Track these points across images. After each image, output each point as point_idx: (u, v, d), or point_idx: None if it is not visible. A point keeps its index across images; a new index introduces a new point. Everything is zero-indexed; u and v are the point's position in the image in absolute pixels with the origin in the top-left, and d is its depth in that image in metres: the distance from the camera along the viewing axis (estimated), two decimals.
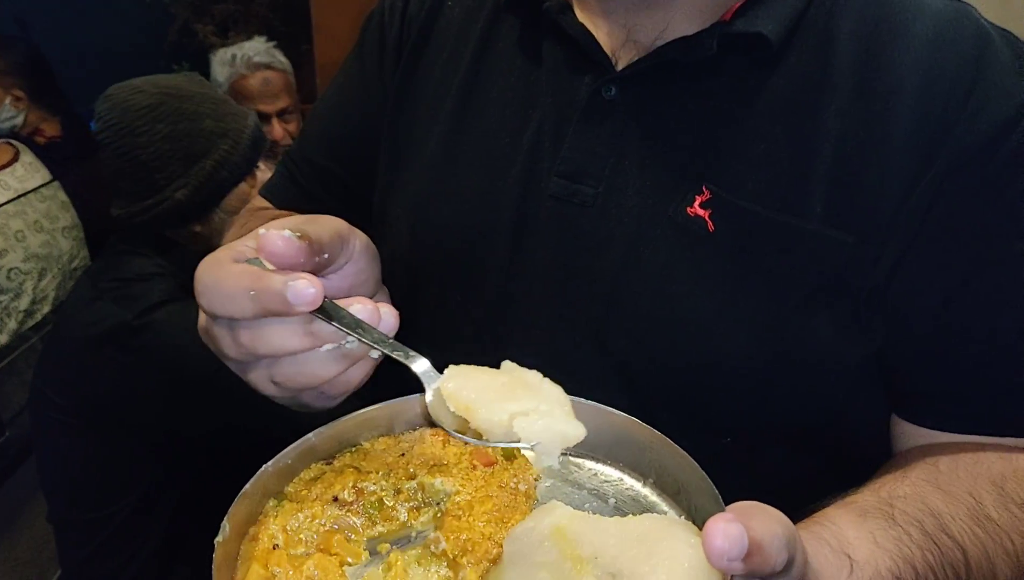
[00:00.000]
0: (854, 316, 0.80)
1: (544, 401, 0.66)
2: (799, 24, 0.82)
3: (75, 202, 2.93)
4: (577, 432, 0.64)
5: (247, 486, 0.63)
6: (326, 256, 0.67)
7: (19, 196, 2.68)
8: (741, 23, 0.81)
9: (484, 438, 0.64)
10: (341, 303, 0.64)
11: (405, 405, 0.73)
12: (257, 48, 2.74)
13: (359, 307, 0.64)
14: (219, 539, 0.59)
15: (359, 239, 0.73)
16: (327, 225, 0.69)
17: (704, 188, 0.81)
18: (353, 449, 0.72)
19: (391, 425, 0.73)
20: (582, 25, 0.88)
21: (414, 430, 0.73)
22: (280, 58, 2.78)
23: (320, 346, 0.64)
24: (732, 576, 0.54)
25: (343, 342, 0.64)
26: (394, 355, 0.65)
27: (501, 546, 0.61)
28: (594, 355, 0.84)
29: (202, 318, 0.70)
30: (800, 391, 0.82)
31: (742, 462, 0.74)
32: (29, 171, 2.81)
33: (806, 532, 0.66)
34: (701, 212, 0.81)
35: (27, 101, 3.06)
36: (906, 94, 0.79)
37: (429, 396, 0.66)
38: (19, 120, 3.02)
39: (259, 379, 0.67)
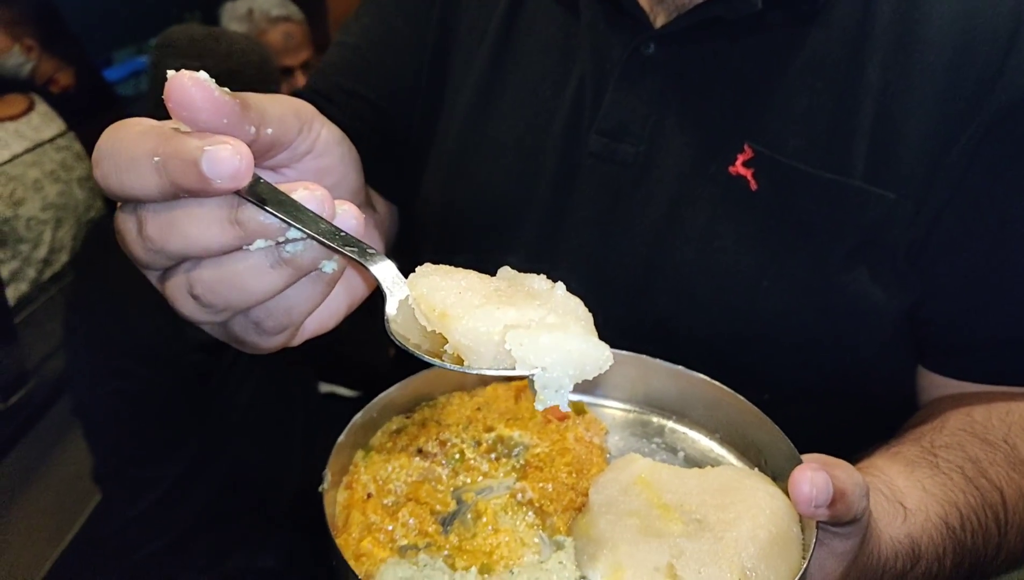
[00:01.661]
0: (893, 271, 0.82)
1: (554, 312, 0.52)
2: None
3: (90, 152, 2.87)
4: (599, 354, 0.50)
5: (340, 438, 0.66)
6: (269, 131, 0.52)
7: (36, 146, 2.66)
8: None
9: (465, 363, 0.50)
10: (282, 188, 0.48)
11: None
12: (272, 1, 2.72)
13: (305, 193, 0.48)
14: (323, 487, 0.62)
15: (327, 129, 0.59)
16: (279, 99, 0.54)
17: (746, 146, 0.82)
18: (430, 403, 0.74)
19: (463, 381, 0.76)
20: None
21: (485, 385, 0.76)
22: (295, 10, 2.76)
23: (250, 242, 0.48)
24: (817, 522, 0.57)
25: (282, 241, 0.48)
26: (346, 252, 0.49)
27: (584, 495, 0.64)
28: (632, 312, 0.86)
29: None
30: (838, 345, 0.85)
31: (778, 416, 0.77)
32: (44, 121, 2.78)
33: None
34: (743, 171, 0.82)
35: (38, 50, 3.02)
36: (946, 47, 0.80)
37: (392, 308, 0.52)
38: (28, 68, 2.98)
39: (176, 292, 0.51)
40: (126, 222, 0.50)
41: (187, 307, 0.51)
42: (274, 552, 1.78)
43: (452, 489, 0.67)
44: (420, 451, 0.68)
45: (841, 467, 0.57)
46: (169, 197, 0.47)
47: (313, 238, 0.48)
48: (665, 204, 0.84)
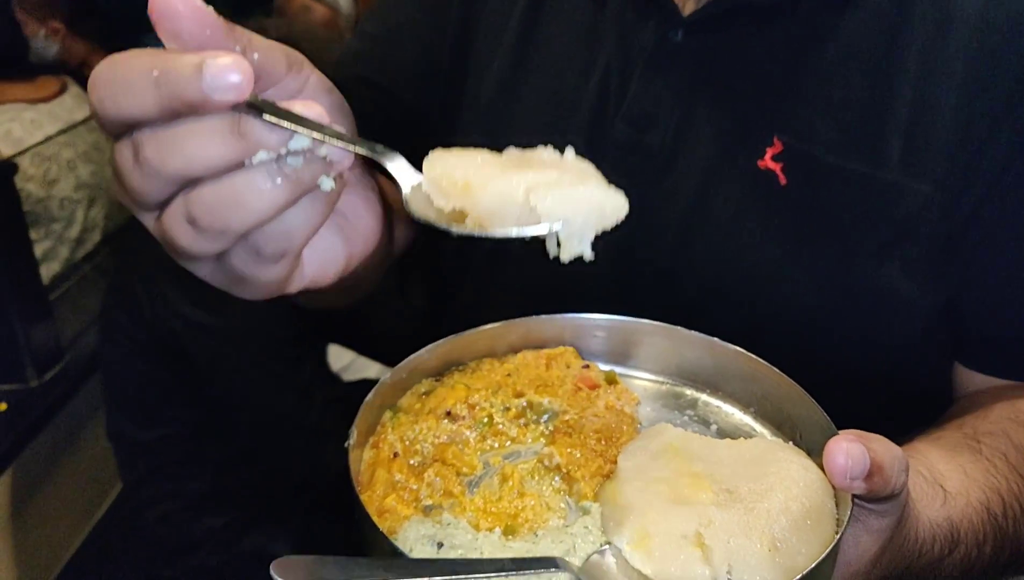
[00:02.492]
0: (927, 265, 0.80)
1: (568, 172, 0.55)
2: None
3: None
4: (617, 201, 0.55)
5: (368, 396, 0.65)
6: (255, 56, 0.50)
7: (69, 127, 2.69)
8: None
9: (487, 228, 0.53)
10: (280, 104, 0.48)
11: (507, 328, 0.75)
12: None
13: (302, 107, 0.48)
14: (349, 443, 0.62)
15: (317, 76, 0.58)
16: (266, 39, 0.53)
17: (775, 139, 0.80)
18: (460, 367, 0.74)
19: (493, 347, 0.75)
20: None
21: (515, 353, 0.75)
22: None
23: (252, 154, 0.48)
24: (852, 497, 0.56)
25: (284, 154, 0.48)
26: (355, 150, 0.50)
27: (613, 463, 0.63)
28: (659, 302, 0.85)
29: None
30: (869, 340, 0.83)
31: None
32: (77, 102, 2.80)
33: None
34: (773, 165, 0.80)
35: (64, 32, 3.04)
36: (988, 31, 0.77)
37: (407, 188, 0.54)
38: (53, 50, 3.00)
39: (173, 223, 0.50)
40: (122, 152, 0.49)
41: (185, 238, 0.50)
42: (288, 538, 1.79)
43: (479, 453, 0.66)
44: (448, 414, 0.68)
45: (879, 440, 0.56)
46: (168, 116, 0.46)
47: (320, 141, 0.48)
48: (692, 196, 0.83)
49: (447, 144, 0.94)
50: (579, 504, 0.62)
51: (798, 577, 0.50)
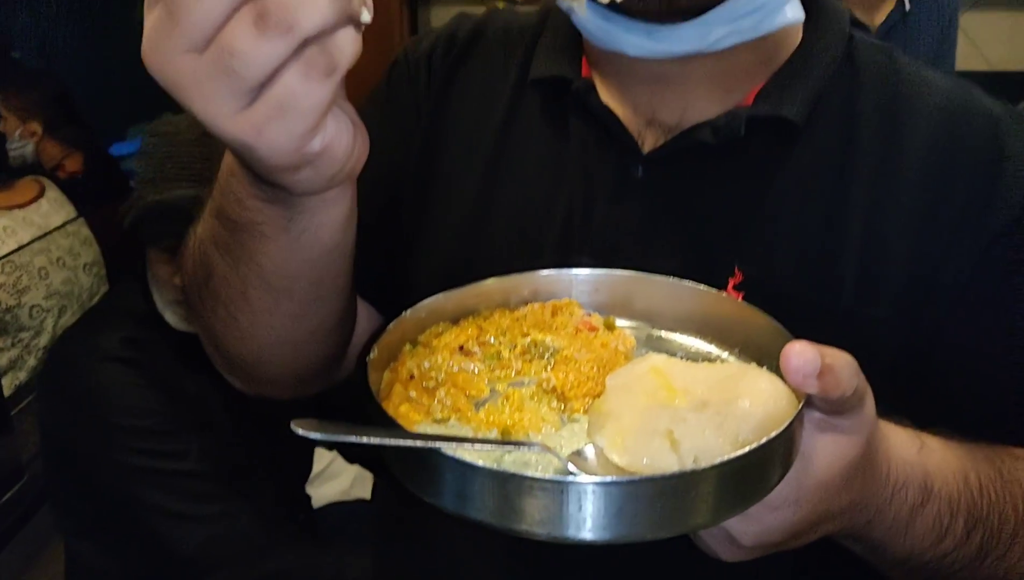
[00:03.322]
0: (890, 388, 0.81)
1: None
2: (823, 103, 0.86)
3: (98, 238, 2.89)
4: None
5: (390, 325, 0.74)
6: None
7: (44, 234, 2.68)
8: (765, 107, 0.85)
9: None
10: None
11: (519, 280, 0.83)
12: None
13: None
14: (370, 357, 0.70)
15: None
16: None
17: (736, 269, 0.84)
18: (474, 315, 0.82)
19: (507, 299, 0.84)
20: (607, 107, 0.89)
21: (525, 304, 0.84)
22: None
23: None
24: (808, 397, 0.62)
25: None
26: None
27: (604, 384, 0.71)
28: None
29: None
30: None
31: None
32: (54, 207, 2.82)
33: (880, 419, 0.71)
34: (735, 294, 0.84)
35: (42, 135, 3.10)
36: (932, 166, 0.83)
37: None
38: (28, 150, 3.04)
39: (238, 31, 0.51)
40: None
41: (248, 42, 0.51)
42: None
43: (487, 380, 0.74)
44: (462, 348, 0.76)
45: (831, 348, 0.62)
46: None
47: None
48: None
49: (409, 267, 0.99)
50: (571, 417, 0.69)
51: (748, 448, 0.57)
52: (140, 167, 1.83)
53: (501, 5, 0.92)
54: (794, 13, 0.84)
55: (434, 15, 4.04)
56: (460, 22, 1.07)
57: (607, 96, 0.92)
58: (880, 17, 3.01)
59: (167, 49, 0.53)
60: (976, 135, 0.84)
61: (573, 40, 0.94)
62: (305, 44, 0.52)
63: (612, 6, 0.79)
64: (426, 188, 1.00)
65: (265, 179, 0.64)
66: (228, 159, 0.70)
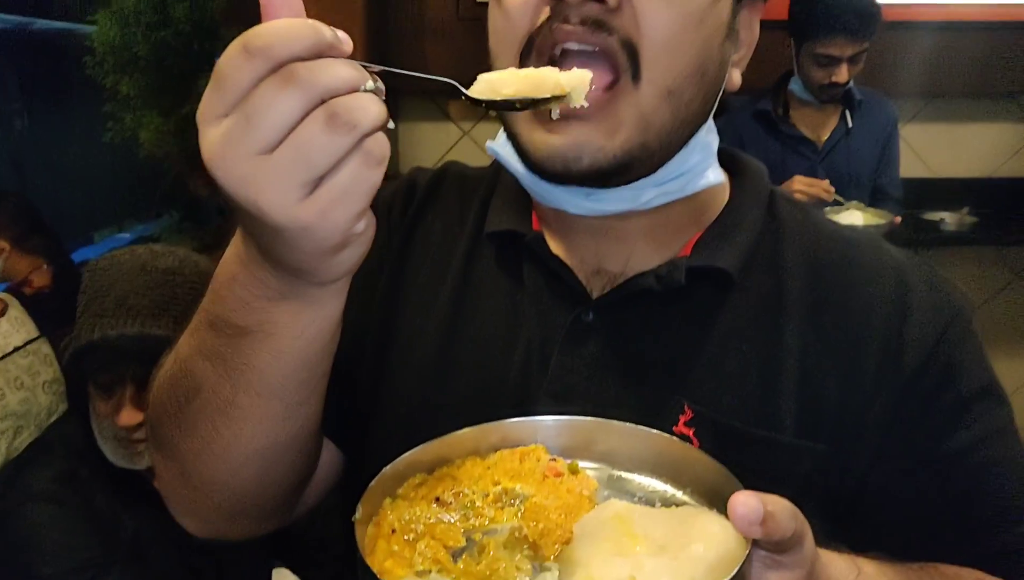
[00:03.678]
0: (832, 518, 0.90)
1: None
2: (753, 254, 0.96)
3: (59, 355, 2.74)
4: None
5: (372, 483, 0.80)
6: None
7: (3, 356, 2.65)
8: (703, 258, 0.94)
9: None
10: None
11: (488, 429, 0.90)
12: None
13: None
14: (356, 518, 0.77)
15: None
16: None
17: (686, 407, 0.91)
18: (448, 464, 0.89)
19: (477, 447, 0.90)
20: (557, 257, 0.98)
21: (495, 451, 0.90)
22: None
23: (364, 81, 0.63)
24: (754, 540, 0.70)
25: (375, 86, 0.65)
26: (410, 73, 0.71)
27: (571, 531, 0.78)
28: None
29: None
30: None
31: None
32: (15, 326, 2.79)
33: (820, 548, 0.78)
34: (686, 430, 0.91)
35: (9, 251, 3.09)
36: (850, 313, 0.93)
37: None
38: None
39: (312, 129, 0.61)
40: (271, 87, 0.60)
41: (320, 138, 0.61)
42: None
43: (463, 530, 0.81)
44: (438, 500, 0.83)
45: (772, 496, 0.70)
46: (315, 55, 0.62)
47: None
48: None
49: (372, 409, 1.04)
50: (542, 565, 0.76)
51: None
52: (78, 306, 1.85)
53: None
54: (715, 176, 0.95)
55: (401, 129, 4.16)
56: (417, 175, 1.16)
57: (556, 247, 1.00)
58: (826, 133, 3.24)
59: (240, 152, 0.62)
60: (886, 284, 0.95)
61: (523, 195, 1.03)
62: (363, 138, 0.62)
63: (544, 177, 0.88)
64: (389, 333, 1.05)
65: (297, 268, 0.71)
66: (228, 270, 0.78)
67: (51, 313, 2.95)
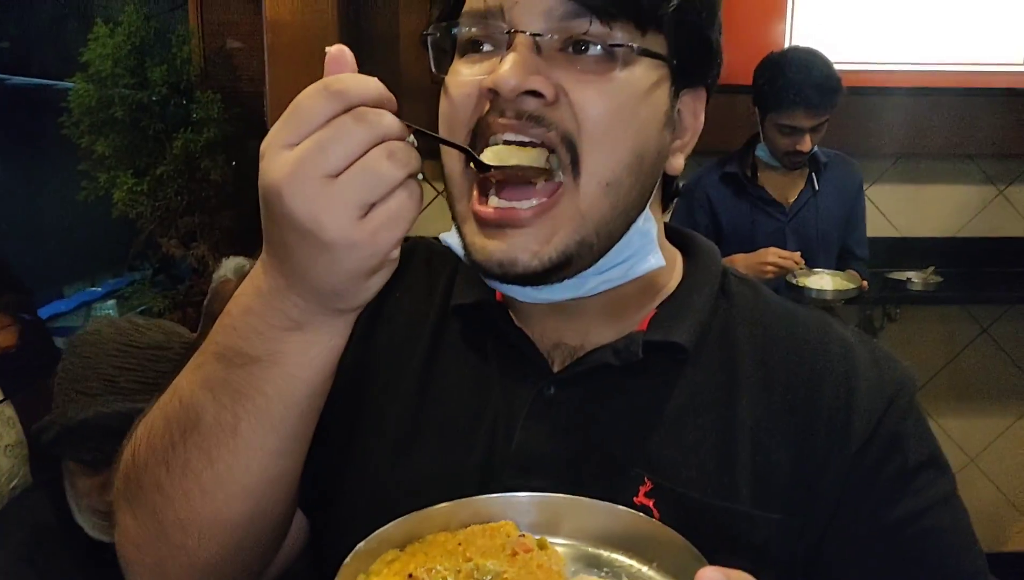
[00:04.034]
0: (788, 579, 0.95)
1: None
2: (706, 331, 1.00)
3: (22, 418, 2.75)
4: None
5: (347, 559, 0.82)
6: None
7: None
8: (658, 334, 0.98)
9: None
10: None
11: (460, 505, 0.92)
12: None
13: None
14: None
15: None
16: None
17: (646, 479, 0.94)
18: (420, 540, 0.91)
19: (448, 523, 0.92)
20: (520, 330, 1.02)
21: (465, 527, 0.92)
22: None
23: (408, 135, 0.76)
24: None
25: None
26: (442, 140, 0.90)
27: None
28: None
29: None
30: None
31: None
32: None
33: None
34: (647, 500, 0.93)
35: None
36: (800, 388, 0.97)
37: None
38: None
39: (377, 161, 0.72)
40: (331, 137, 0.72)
41: (388, 167, 0.73)
42: None
43: None
44: (411, 576, 0.84)
45: (735, 572, 0.72)
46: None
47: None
48: None
49: (340, 481, 1.06)
50: None
51: None
52: (59, 383, 1.85)
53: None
54: (656, 260, 0.98)
55: None
56: None
57: (519, 320, 1.04)
58: (793, 195, 3.33)
59: (310, 174, 0.71)
60: (833, 360, 0.99)
61: None
62: (409, 177, 0.74)
63: (480, 271, 0.93)
64: (358, 408, 1.07)
65: (330, 290, 0.79)
66: (242, 304, 0.84)
67: (14, 373, 2.90)
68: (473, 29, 0.90)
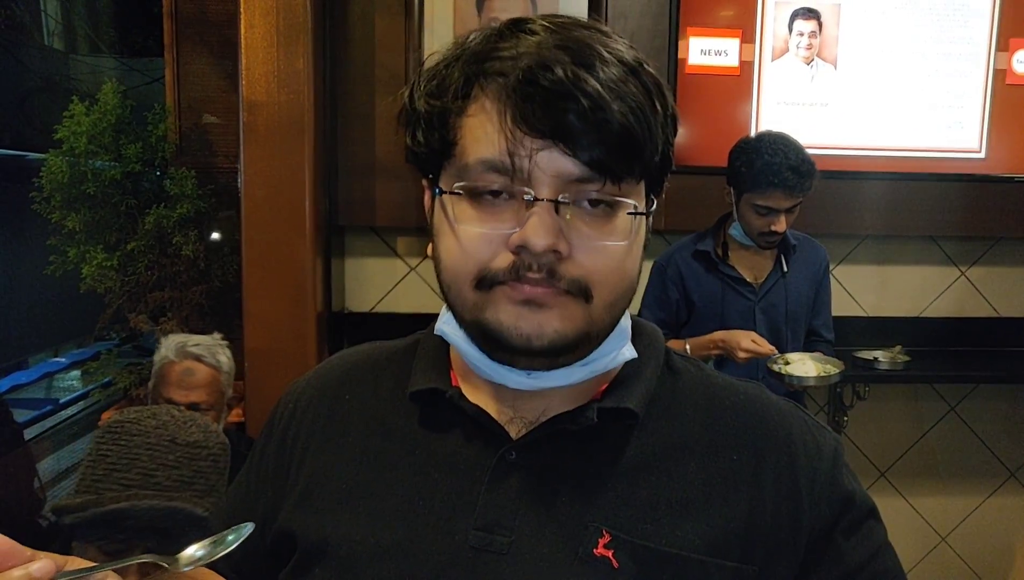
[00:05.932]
0: None
1: None
2: (654, 398, 1.07)
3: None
4: None
5: None
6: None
7: None
8: (612, 400, 1.03)
9: None
10: None
11: None
12: (201, 340, 2.84)
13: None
14: None
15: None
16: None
17: (604, 531, 0.97)
18: None
19: None
20: (477, 406, 1.04)
21: None
22: (219, 357, 2.85)
23: None
24: None
25: None
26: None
27: None
28: None
29: None
30: None
31: None
32: None
33: None
34: (606, 552, 0.96)
35: None
36: (745, 448, 1.04)
37: None
38: None
39: None
40: None
41: None
42: None
43: None
44: None
45: None
46: None
47: None
48: None
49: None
50: None
51: None
52: (92, 466, 1.82)
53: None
54: (630, 352, 1.08)
55: (348, 265, 4.20)
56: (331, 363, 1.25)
57: (476, 399, 1.07)
58: (763, 275, 3.40)
59: None
60: (772, 425, 1.07)
61: (442, 360, 1.12)
62: None
63: (497, 356, 0.99)
64: (318, 528, 1.05)
65: None
66: None
67: None
68: (495, 186, 0.95)
